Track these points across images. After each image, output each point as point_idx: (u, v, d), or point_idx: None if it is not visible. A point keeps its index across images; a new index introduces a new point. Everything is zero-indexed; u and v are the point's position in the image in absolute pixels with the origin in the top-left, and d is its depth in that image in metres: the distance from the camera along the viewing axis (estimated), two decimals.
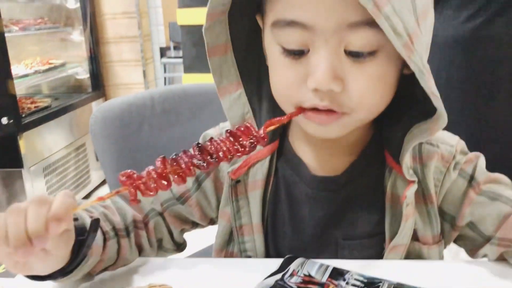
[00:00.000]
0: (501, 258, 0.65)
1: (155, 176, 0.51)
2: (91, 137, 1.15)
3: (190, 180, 0.71)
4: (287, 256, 0.64)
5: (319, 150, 0.67)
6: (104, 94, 3.18)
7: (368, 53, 0.52)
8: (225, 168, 0.70)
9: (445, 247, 0.69)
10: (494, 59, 2.25)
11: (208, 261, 0.69)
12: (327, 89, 0.52)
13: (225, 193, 0.70)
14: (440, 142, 0.66)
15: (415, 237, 0.66)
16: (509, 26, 2.25)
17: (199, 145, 0.54)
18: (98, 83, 3.14)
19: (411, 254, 0.66)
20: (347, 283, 0.57)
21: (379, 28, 0.48)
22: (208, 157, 0.53)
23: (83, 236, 0.55)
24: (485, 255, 0.66)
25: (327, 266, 0.61)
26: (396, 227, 0.63)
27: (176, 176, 0.52)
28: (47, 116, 2.56)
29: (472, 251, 0.68)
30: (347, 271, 0.60)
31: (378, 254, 0.66)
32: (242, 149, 0.54)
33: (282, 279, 0.58)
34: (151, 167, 0.52)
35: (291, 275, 0.59)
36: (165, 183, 0.52)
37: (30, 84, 2.70)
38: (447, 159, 0.65)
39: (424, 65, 0.50)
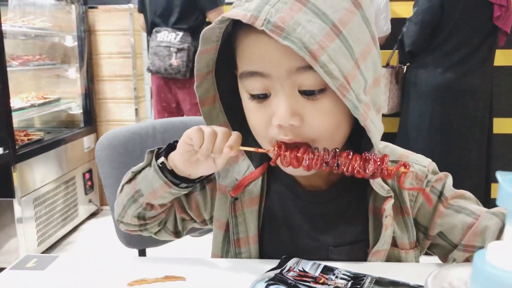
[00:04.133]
0: (467, 261, 0.75)
1: None
2: (96, 161, 1.24)
3: None
4: (284, 256, 0.73)
5: None
6: (95, 129, 3.28)
7: (318, 90, 0.63)
8: (221, 182, 0.82)
9: (420, 254, 0.79)
10: (469, 109, 2.44)
11: (212, 260, 0.78)
12: (288, 124, 0.63)
13: (217, 205, 0.82)
14: (415, 163, 0.78)
15: (394, 244, 0.76)
16: (484, 80, 2.45)
17: (337, 151, 0.63)
18: (91, 118, 3.24)
19: (391, 258, 0.76)
20: (336, 277, 0.67)
21: None
22: (335, 163, 0.63)
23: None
24: (454, 260, 0.76)
25: (319, 264, 0.71)
26: (377, 235, 0.74)
27: None
28: (39, 148, 2.63)
29: (444, 257, 0.78)
30: (336, 268, 0.70)
31: (362, 258, 0.75)
32: (363, 173, 0.62)
33: (281, 273, 0.68)
34: None
35: (288, 270, 0.69)
36: None
37: (24, 117, 2.78)
38: (420, 178, 0.77)
39: (360, 100, 0.60)
